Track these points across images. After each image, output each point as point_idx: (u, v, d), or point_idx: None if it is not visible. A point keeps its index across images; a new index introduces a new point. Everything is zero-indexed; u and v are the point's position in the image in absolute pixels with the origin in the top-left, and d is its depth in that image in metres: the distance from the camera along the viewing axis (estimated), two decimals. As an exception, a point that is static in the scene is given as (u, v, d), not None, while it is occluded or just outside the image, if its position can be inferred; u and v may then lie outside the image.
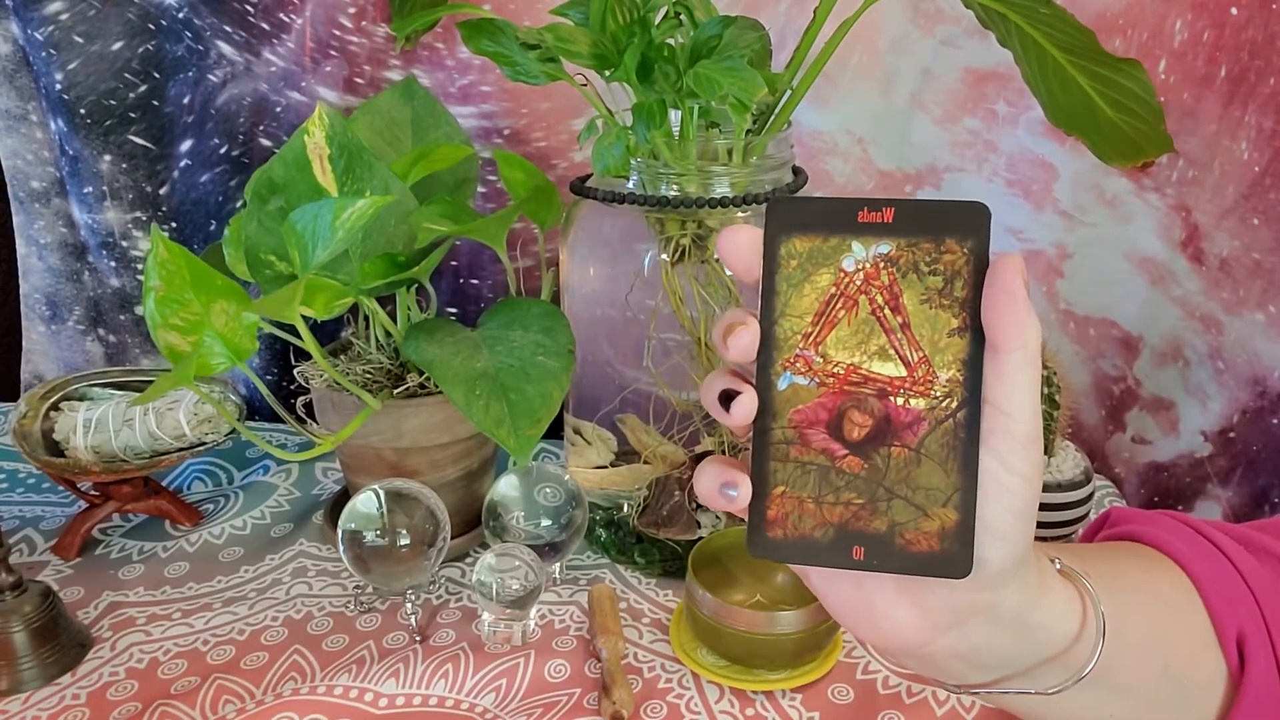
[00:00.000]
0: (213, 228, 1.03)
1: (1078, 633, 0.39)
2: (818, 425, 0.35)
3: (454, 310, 1.04)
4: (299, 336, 0.71)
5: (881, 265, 0.35)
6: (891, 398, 0.35)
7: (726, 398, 0.36)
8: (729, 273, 0.75)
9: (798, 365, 0.36)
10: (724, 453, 0.80)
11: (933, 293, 0.35)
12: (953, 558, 0.35)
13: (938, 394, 0.35)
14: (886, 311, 0.35)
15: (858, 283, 0.35)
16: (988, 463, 0.35)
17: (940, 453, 0.35)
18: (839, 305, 0.35)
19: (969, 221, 0.34)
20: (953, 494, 0.35)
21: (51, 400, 0.88)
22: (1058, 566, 0.40)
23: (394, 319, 0.83)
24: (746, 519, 0.36)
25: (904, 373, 0.35)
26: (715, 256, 0.75)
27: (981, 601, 0.37)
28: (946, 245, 0.34)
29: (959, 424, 0.35)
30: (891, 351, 0.35)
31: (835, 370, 0.35)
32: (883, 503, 0.35)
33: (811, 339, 0.35)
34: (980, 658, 0.39)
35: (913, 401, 0.35)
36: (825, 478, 0.36)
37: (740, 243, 0.36)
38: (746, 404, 0.35)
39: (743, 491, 0.36)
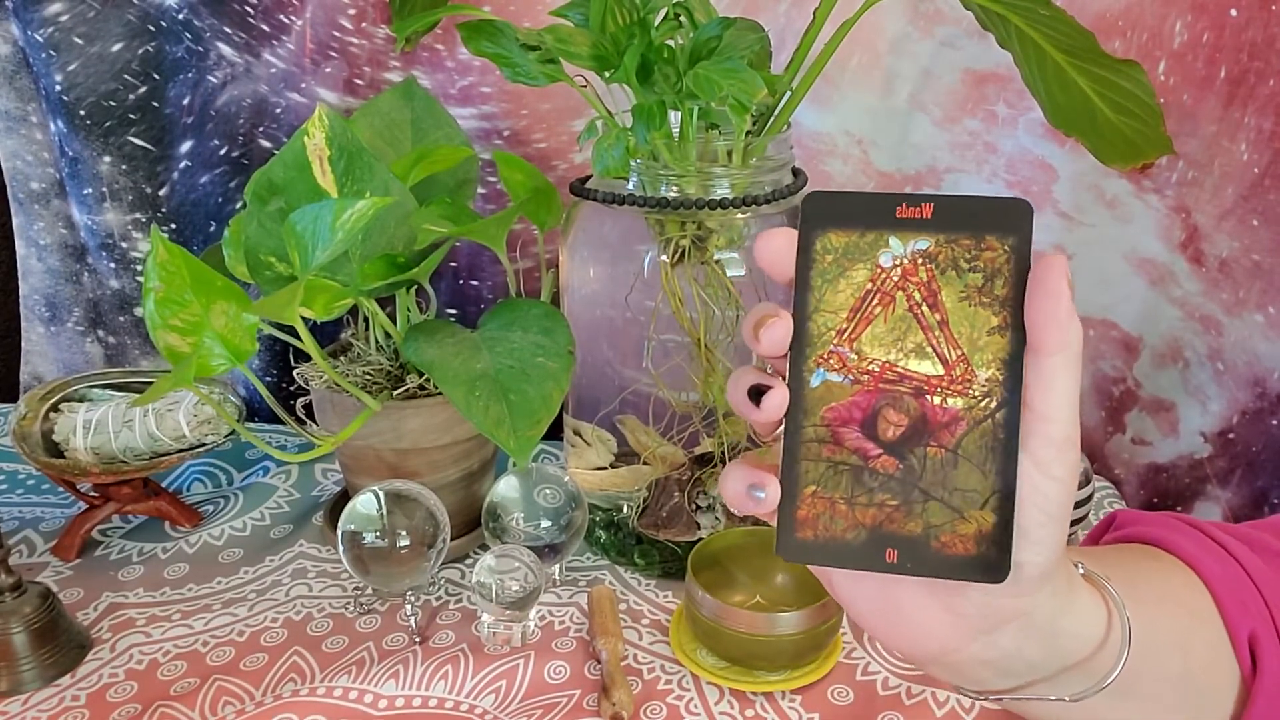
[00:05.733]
0: (212, 229, 1.03)
1: (1103, 639, 0.38)
2: (851, 424, 0.35)
3: (454, 311, 1.04)
4: (299, 338, 0.71)
5: (920, 261, 0.34)
6: (928, 396, 0.34)
7: (756, 393, 0.35)
8: (733, 273, 0.75)
9: (831, 362, 0.35)
10: (724, 453, 0.80)
11: (972, 290, 0.34)
12: (990, 562, 0.34)
13: (976, 393, 0.34)
14: (924, 308, 0.34)
15: (895, 279, 0.34)
16: (1024, 466, 0.34)
17: (978, 454, 0.34)
18: (875, 301, 0.34)
19: (1011, 218, 0.34)
20: (990, 496, 0.34)
21: (51, 401, 0.87)
22: (1081, 571, 0.39)
23: (394, 320, 0.83)
24: (775, 521, 0.35)
25: (941, 371, 0.34)
26: (715, 258, 0.75)
27: (1015, 608, 0.36)
28: (987, 242, 0.34)
29: (998, 424, 0.34)
30: (929, 349, 0.34)
31: (870, 368, 0.34)
32: (918, 504, 0.34)
33: (846, 335, 0.35)
34: (1008, 664, 0.38)
35: (950, 401, 0.34)
36: (858, 478, 0.35)
37: (777, 245, 0.35)
38: (778, 399, 0.34)
39: (770, 493, 0.35)
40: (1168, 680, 0.41)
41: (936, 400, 0.34)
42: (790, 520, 0.35)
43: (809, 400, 0.35)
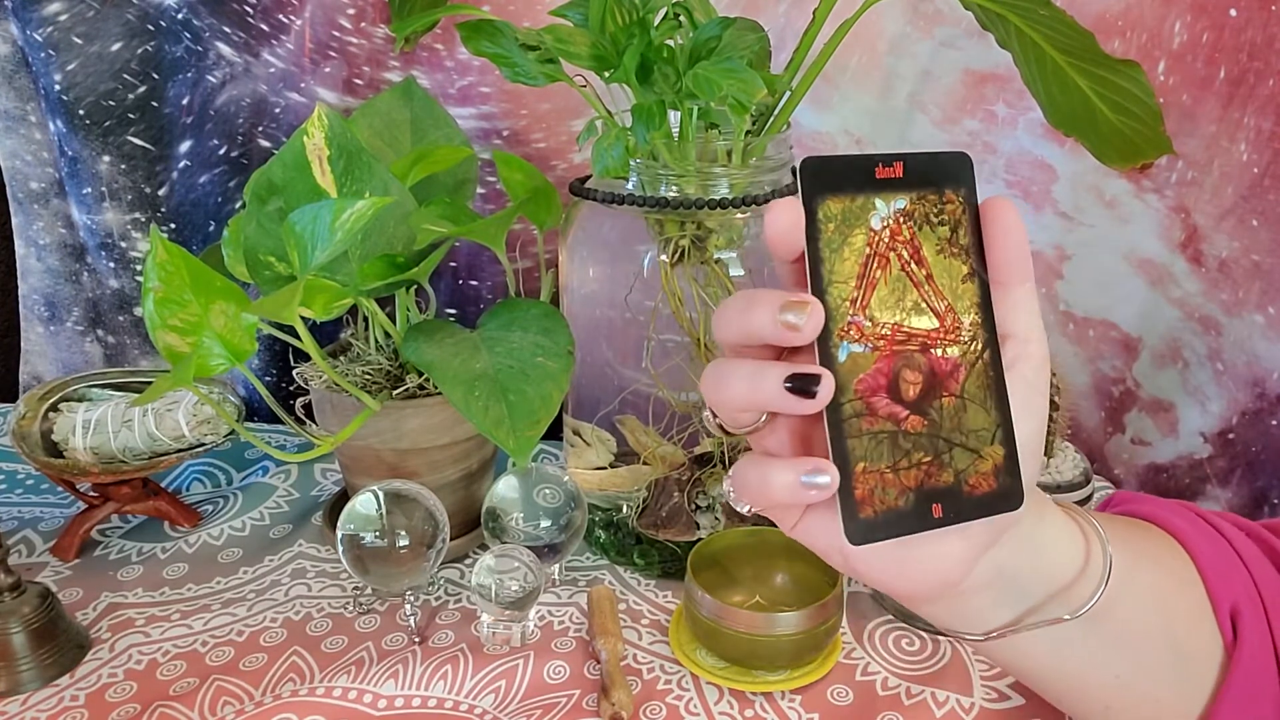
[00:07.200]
0: (211, 229, 1.03)
1: (1083, 564, 0.40)
2: (880, 391, 0.35)
3: (453, 311, 1.04)
4: (298, 337, 0.71)
5: (901, 220, 0.35)
6: (932, 350, 0.36)
7: (804, 380, 0.33)
8: (733, 273, 0.75)
9: (851, 333, 0.35)
10: (723, 453, 0.80)
11: (944, 242, 0.36)
12: (1008, 491, 0.36)
13: (965, 338, 0.36)
14: (913, 266, 0.36)
15: (886, 240, 0.35)
16: (1015, 387, 0.36)
17: (979, 394, 0.36)
18: (875, 265, 0.35)
19: (959, 170, 0.36)
20: (996, 430, 0.36)
21: (50, 401, 0.87)
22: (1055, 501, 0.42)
23: (393, 320, 0.83)
24: (839, 507, 0.34)
25: (937, 324, 0.36)
26: (715, 257, 0.75)
27: (1008, 517, 0.38)
28: (947, 195, 0.36)
29: (987, 363, 0.36)
30: (924, 305, 0.36)
31: (883, 332, 0.35)
32: (945, 454, 0.36)
33: (859, 304, 0.35)
34: (1004, 584, 0.40)
35: (949, 350, 0.36)
36: (895, 443, 0.35)
37: (788, 222, 0.34)
38: (829, 384, 0.34)
39: (833, 474, 0.34)
40: (1150, 632, 0.43)
41: (939, 352, 0.36)
42: (850, 502, 0.35)
43: (841, 376, 0.35)
